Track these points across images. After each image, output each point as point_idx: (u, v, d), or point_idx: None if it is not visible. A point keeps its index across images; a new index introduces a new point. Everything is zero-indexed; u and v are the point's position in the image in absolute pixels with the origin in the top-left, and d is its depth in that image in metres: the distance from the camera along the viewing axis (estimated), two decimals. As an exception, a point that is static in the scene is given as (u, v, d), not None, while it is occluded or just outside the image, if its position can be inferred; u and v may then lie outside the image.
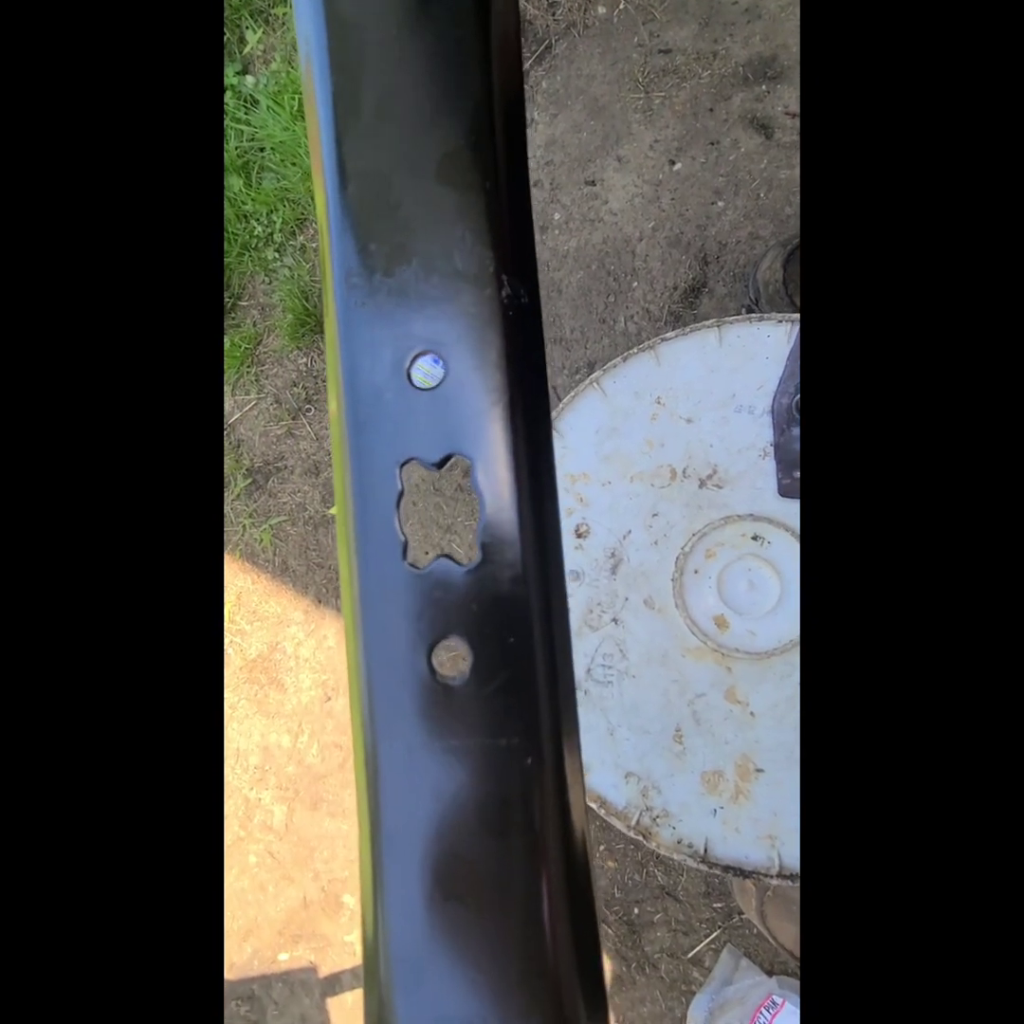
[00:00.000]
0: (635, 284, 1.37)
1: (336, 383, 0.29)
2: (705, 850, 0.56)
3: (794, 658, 0.57)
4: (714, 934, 1.21)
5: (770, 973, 1.15)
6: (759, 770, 0.57)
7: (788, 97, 1.32)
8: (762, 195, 1.33)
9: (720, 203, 1.34)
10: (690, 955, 1.22)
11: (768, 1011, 1.10)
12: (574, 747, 0.27)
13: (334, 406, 0.29)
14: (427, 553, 0.23)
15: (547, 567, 0.27)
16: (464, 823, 0.26)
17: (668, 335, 0.64)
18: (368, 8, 0.27)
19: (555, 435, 0.68)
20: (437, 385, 0.28)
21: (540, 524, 0.27)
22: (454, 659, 0.27)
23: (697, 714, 0.58)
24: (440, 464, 0.28)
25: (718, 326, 0.63)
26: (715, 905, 1.21)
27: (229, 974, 1.55)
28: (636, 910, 1.26)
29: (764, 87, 1.33)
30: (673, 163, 1.36)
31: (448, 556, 0.27)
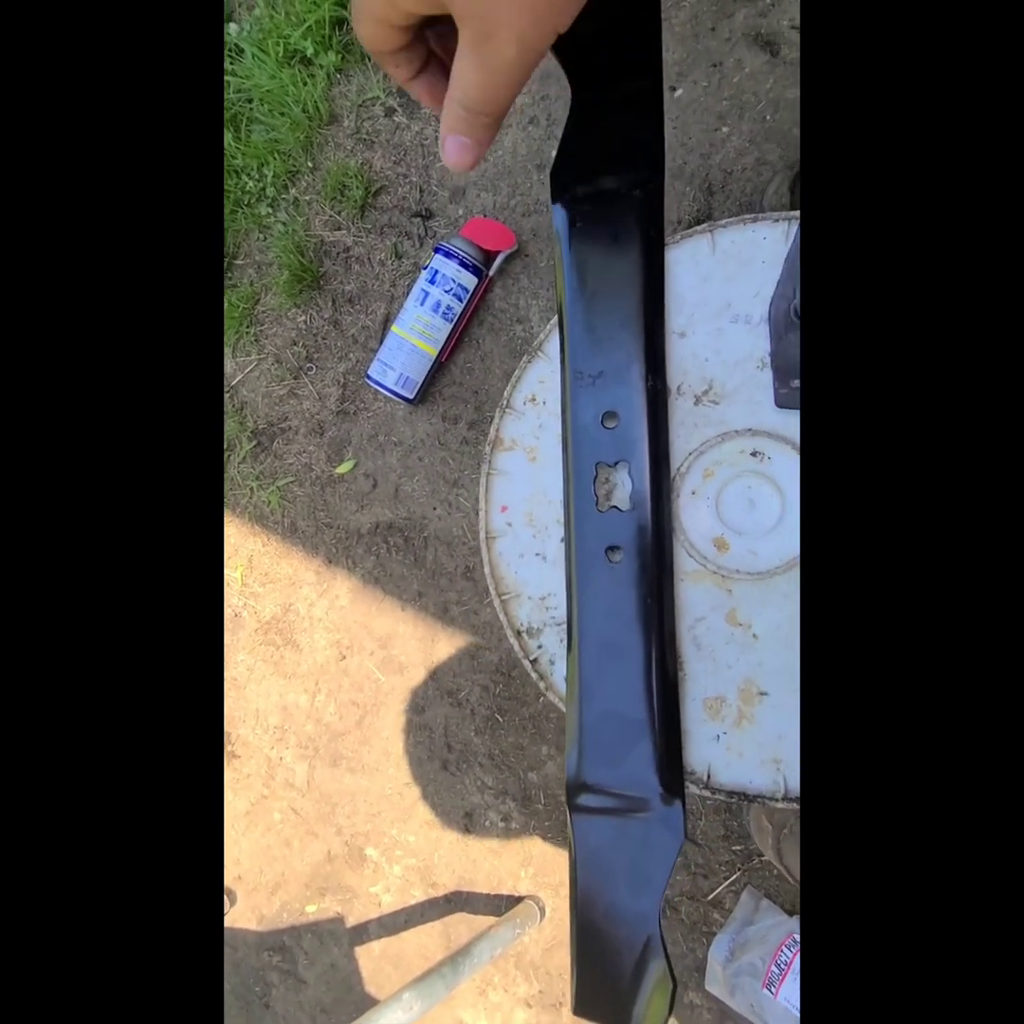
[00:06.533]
0: (637, 220, 1.32)
1: (567, 426, 0.54)
2: (708, 776, 0.54)
3: (797, 577, 0.55)
4: (734, 877, 1.21)
5: (791, 913, 1.14)
6: (763, 693, 0.55)
7: (793, 10, 1.24)
8: (768, 117, 1.26)
9: (724, 129, 1.27)
10: (710, 897, 1.22)
11: (790, 949, 1.09)
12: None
13: (564, 434, 0.54)
14: (606, 504, 0.45)
15: (661, 517, 0.52)
16: (619, 619, 0.52)
17: (657, 243, 0.60)
18: (593, 265, 0.51)
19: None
20: (616, 428, 0.52)
21: (658, 504, 0.52)
22: (617, 555, 0.52)
23: (698, 639, 0.56)
24: (614, 465, 0.53)
25: (711, 232, 0.59)
26: (734, 848, 1.21)
27: (260, 926, 1.59)
28: (655, 855, 1.26)
29: (768, 0, 1.26)
30: (674, 90, 1.30)
31: (616, 507, 0.53)
